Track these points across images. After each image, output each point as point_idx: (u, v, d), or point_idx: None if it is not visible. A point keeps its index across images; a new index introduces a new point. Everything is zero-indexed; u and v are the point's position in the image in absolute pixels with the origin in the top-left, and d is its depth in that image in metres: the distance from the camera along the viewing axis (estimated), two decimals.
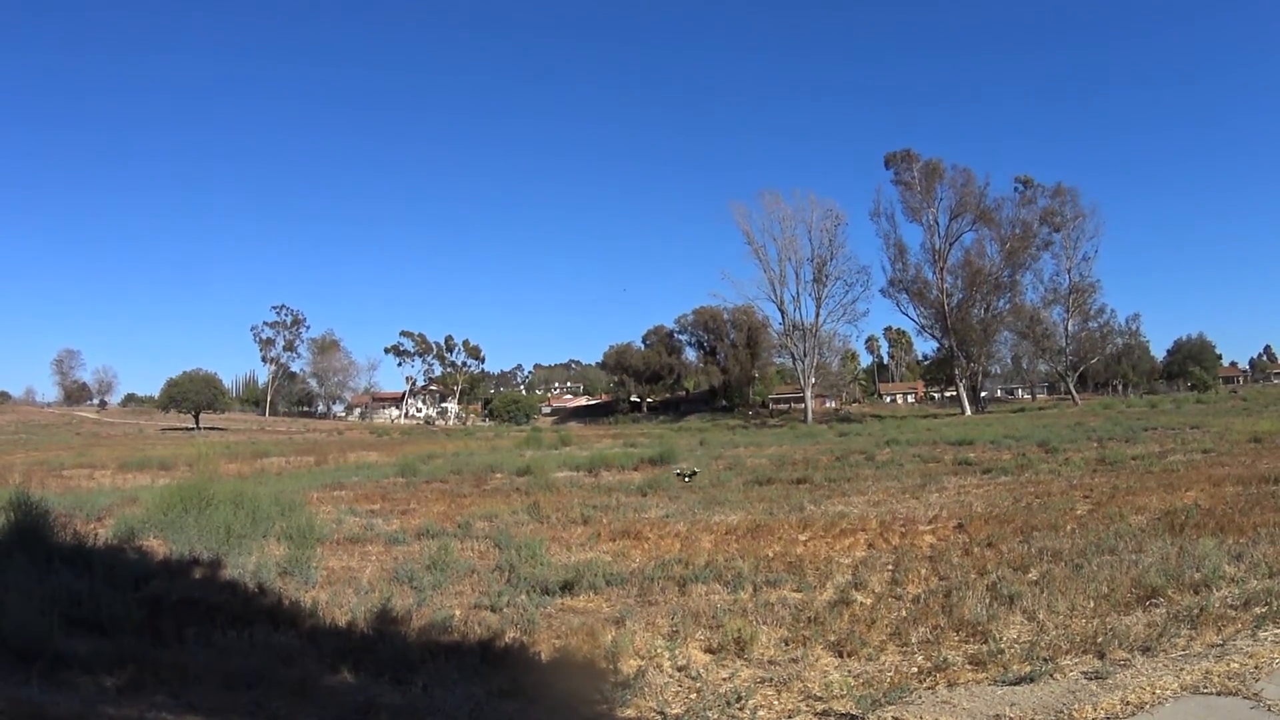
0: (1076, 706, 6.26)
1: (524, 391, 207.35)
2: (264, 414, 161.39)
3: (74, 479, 35.37)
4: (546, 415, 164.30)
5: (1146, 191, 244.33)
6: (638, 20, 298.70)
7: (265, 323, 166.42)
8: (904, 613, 9.48)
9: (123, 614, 8.91)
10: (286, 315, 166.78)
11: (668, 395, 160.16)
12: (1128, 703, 6.22)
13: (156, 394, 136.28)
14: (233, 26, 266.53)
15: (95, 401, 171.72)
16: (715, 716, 6.83)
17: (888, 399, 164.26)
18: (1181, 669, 6.80)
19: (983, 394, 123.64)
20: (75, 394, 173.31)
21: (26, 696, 6.37)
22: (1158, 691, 6.35)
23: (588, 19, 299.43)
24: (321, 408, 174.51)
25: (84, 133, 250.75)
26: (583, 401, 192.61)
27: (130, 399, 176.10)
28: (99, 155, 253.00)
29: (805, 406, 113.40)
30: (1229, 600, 8.78)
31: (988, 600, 9.49)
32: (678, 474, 26.44)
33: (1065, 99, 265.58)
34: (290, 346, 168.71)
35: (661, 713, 6.96)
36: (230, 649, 8.24)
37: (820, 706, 6.89)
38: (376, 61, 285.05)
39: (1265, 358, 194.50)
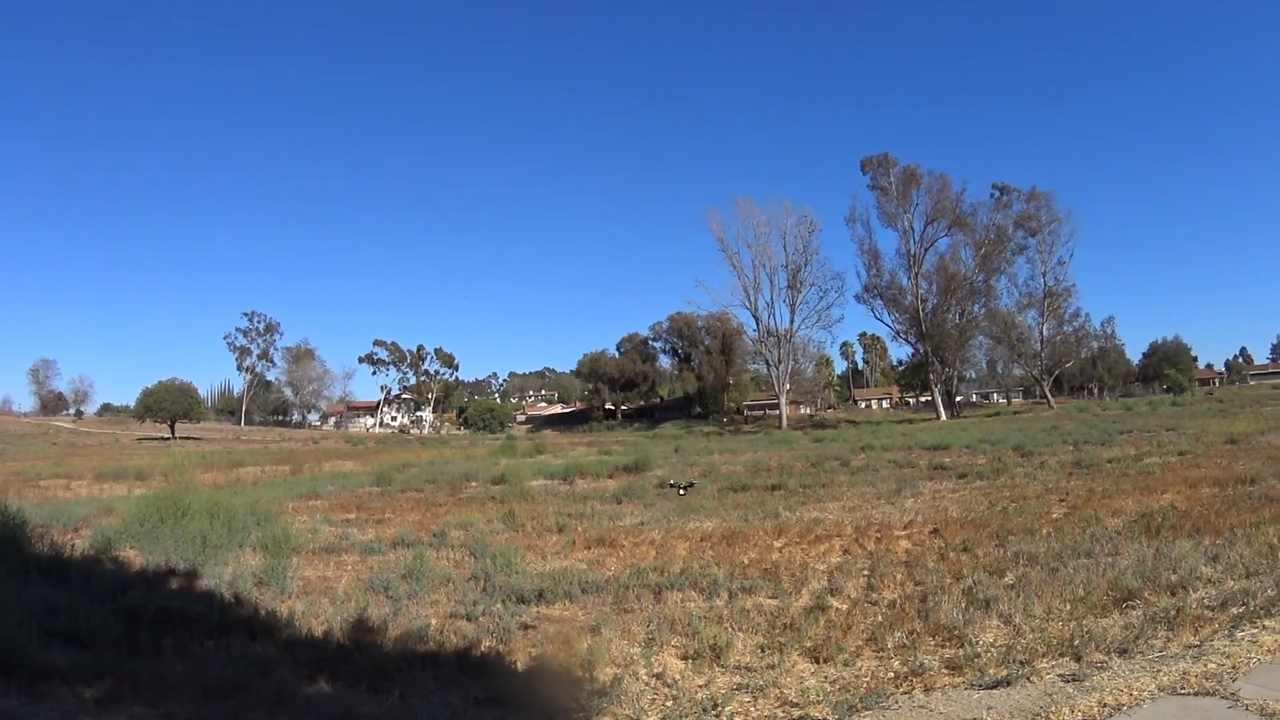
0: (1054, 709, 6.23)
1: (498, 400, 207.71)
2: (239, 423, 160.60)
3: (51, 489, 35.16)
4: (521, 423, 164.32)
5: (1122, 195, 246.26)
6: (614, 27, 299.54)
7: (238, 329, 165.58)
8: (880, 618, 9.50)
9: (101, 625, 8.86)
10: (259, 322, 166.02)
11: (643, 403, 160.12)
12: (1105, 705, 6.20)
13: (132, 403, 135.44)
14: (208, 32, 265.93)
15: (71, 411, 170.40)
16: None
17: (863, 404, 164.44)
18: (1159, 670, 6.79)
19: (958, 398, 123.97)
20: (51, 404, 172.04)
21: (5, 708, 6.37)
22: (1135, 693, 6.34)
23: (563, 27, 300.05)
24: (296, 417, 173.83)
25: (60, 141, 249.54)
26: (557, 409, 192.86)
27: (106, 409, 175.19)
28: (75, 164, 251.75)
29: (780, 413, 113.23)
30: (1206, 601, 8.82)
31: (964, 605, 9.53)
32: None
33: (1041, 103, 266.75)
34: (265, 355, 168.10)
35: None
36: (208, 660, 8.21)
37: (797, 713, 6.90)
38: (349, 68, 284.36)
39: (1241, 359, 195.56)
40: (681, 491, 25.41)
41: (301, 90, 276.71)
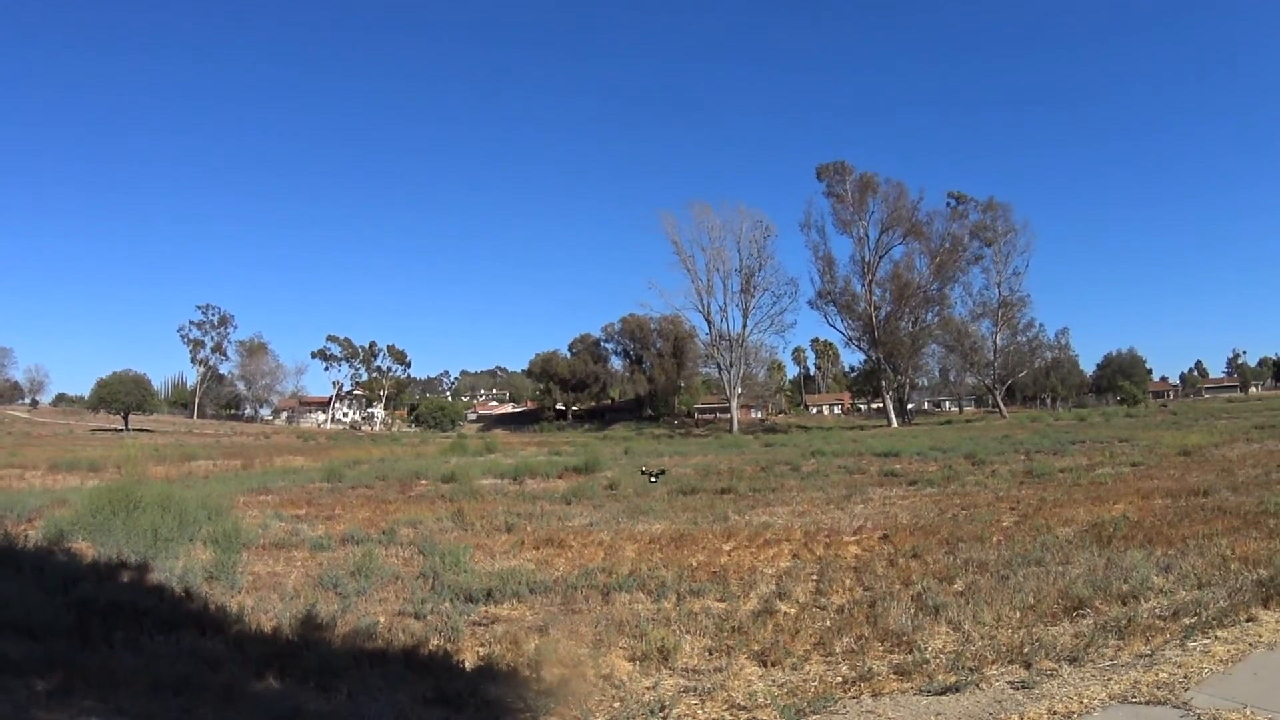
0: (1003, 716, 6.30)
1: (450, 398, 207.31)
2: (192, 416, 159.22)
3: (5, 479, 35.14)
4: (472, 422, 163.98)
5: (1079, 207, 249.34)
6: (568, 29, 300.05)
7: (191, 322, 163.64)
8: (828, 623, 9.51)
9: (52, 617, 8.83)
10: (214, 315, 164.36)
11: (594, 404, 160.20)
12: (1055, 712, 6.26)
13: (87, 394, 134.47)
14: (165, 25, 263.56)
15: (27, 401, 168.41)
16: None
17: (814, 410, 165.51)
18: (1110, 679, 6.83)
19: (910, 406, 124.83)
20: (6, 393, 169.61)
21: None
22: (1085, 701, 6.39)
23: (518, 26, 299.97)
24: (249, 411, 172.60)
25: (17, 130, 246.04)
26: (508, 409, 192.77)
27: (61, 399, 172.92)
28: (32, 153, 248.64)
29: (731, 416, 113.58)
30: (1157, 611, 8.86)
31: (913, 611, 9.56)
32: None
33: (1000, 113, 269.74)
34: (219, 348, 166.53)
35: None
36: (158, 654, 8.16)
37: (745, 716, 6.91)
38: (301, 64, 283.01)
39: (1196, 373, 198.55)
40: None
41: (261, 85, 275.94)
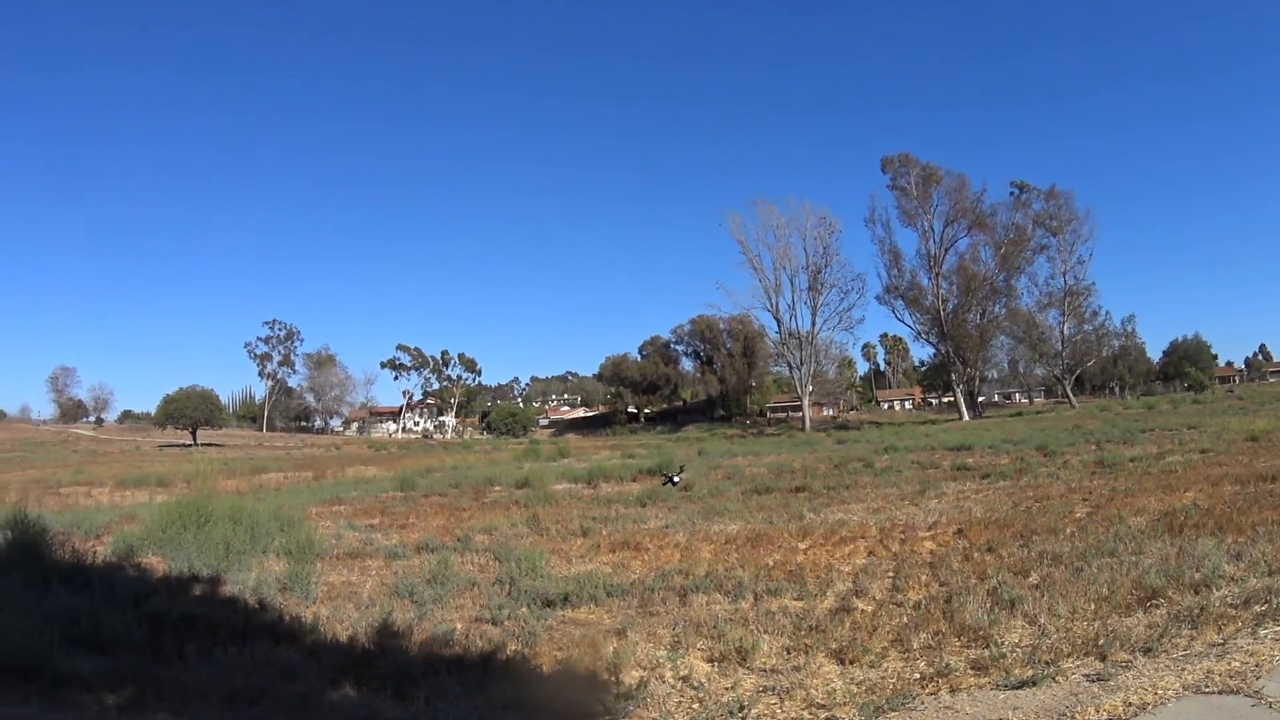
0: (1079, 709, 6.22)
1: (521, 404, 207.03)
2: (261, 430, 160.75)
3: (71, 496, 35.53)
4: (544, 427, 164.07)
5: (1140, 193, 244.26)
6: (632, 33, 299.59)
7: (258, 338, 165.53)
8: (905, 619, 9.47)
9: (123, 631, 8.86)
10: (280, 330, 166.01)
11: (665, 405, 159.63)
12: (1130, 704, 6.18)
13: (153, 411, 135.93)
14: (227, 40, 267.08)
15: (92, 419, 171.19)
16: None
17: (885, 405, 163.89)
18: (1183, 669, 6.77)
19: (980, 399, 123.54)
20: (71, 411, 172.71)
21: (25, 715, 6.40)
22: (1159, 692, 6.32)
23: (584, 32, 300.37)
24: (319, 423, 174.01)
25: (80, 149, 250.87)
26: (580, 413, 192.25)
27: (127, 416, 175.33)
28: (94, 171, 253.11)
29: (803, 415, 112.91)
30: (1229, 599, 8.75)
31: (989, 605, 9.49)
32: (664, 476, 26.61)
33: (1058, 101, 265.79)
34: (286, 361, 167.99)
35: None
36: (232, 666, 8.22)
37: (823, 714, 6.89)
38: (368, 74, 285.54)
39: (1261, 356, 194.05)
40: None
41: (321, 97, 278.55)
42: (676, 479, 26.43)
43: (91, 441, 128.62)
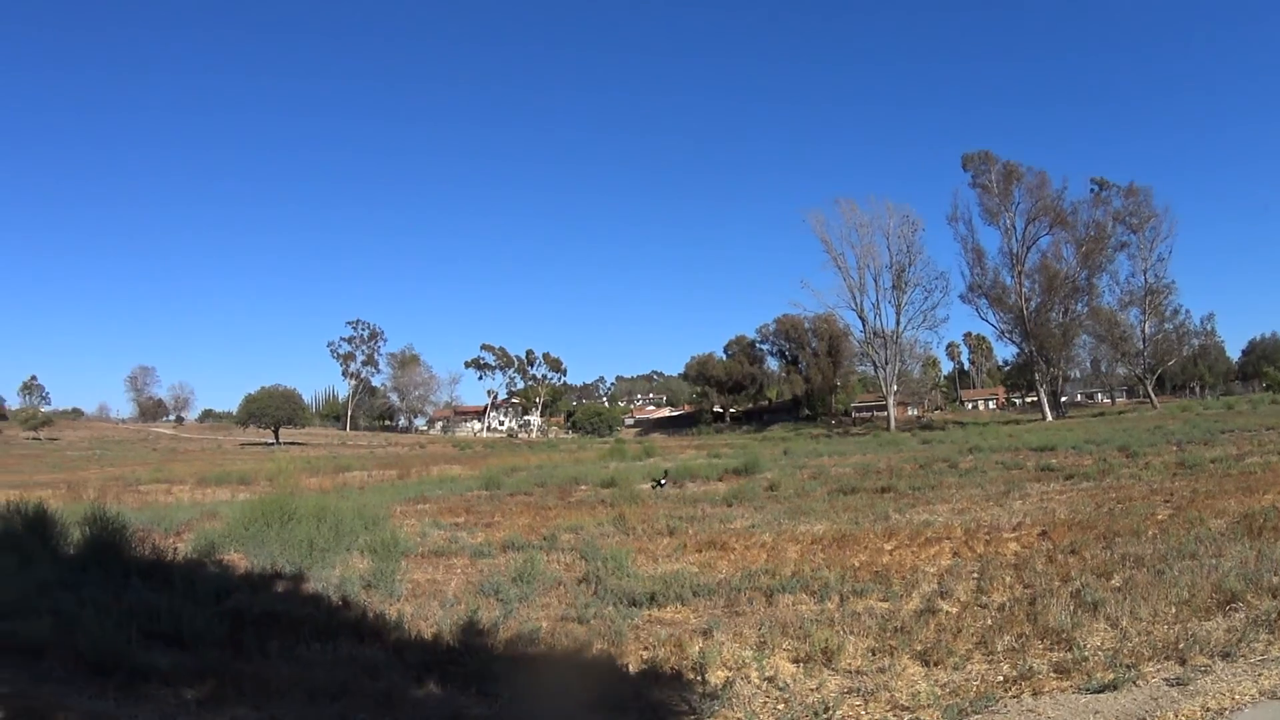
0: (1159, 713, 6.27)
1: (606, 403, 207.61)
2: (344, 428, 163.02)
3: (151, 494, 36.27)
4: (629, 427, 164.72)
5: (1218, 190, 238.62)
6: (715, 34, 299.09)
7: (342, 338, 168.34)
8: (989, 621, 9.43)
9: (203, 627, 9.01)
10: (363, 330, 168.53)
11: (750, 405, 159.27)
12: (1208, 709, 6.23)
13: (235, 410, 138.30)
14: (314, 46, 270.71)
15: (172, 417, 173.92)
16: None
17: (969, 405, 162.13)
18: (1260, 674, 6.79)
19: (1063, 398, 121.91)
20: (150, 410, 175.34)
21: (102, 709, 6.60)
22: (1237, 697, 6.36)
23: (666, 33, 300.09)
24: (403, 422, 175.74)
25: (159, 150, 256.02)
26: (665, 413, 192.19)
27: (208, 414, 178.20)
28: (174, 173, 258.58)
29: (888, 414, 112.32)
30: None
31: (1072, 607, 9.41)
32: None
33: (1137, 98, 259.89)
34: (370, 361, 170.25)
35: None
36: (314, 662, 8.40)
37: (908, 717, 6.95)
38: (452, 78, 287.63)
39: None
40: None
41: (399, 98, 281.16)
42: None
43: (171, 440, 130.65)
